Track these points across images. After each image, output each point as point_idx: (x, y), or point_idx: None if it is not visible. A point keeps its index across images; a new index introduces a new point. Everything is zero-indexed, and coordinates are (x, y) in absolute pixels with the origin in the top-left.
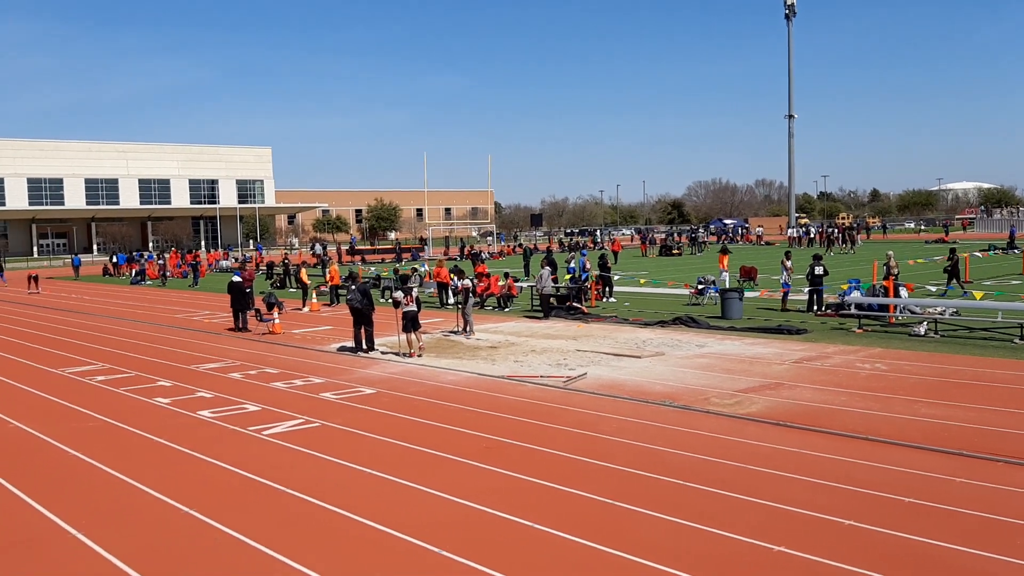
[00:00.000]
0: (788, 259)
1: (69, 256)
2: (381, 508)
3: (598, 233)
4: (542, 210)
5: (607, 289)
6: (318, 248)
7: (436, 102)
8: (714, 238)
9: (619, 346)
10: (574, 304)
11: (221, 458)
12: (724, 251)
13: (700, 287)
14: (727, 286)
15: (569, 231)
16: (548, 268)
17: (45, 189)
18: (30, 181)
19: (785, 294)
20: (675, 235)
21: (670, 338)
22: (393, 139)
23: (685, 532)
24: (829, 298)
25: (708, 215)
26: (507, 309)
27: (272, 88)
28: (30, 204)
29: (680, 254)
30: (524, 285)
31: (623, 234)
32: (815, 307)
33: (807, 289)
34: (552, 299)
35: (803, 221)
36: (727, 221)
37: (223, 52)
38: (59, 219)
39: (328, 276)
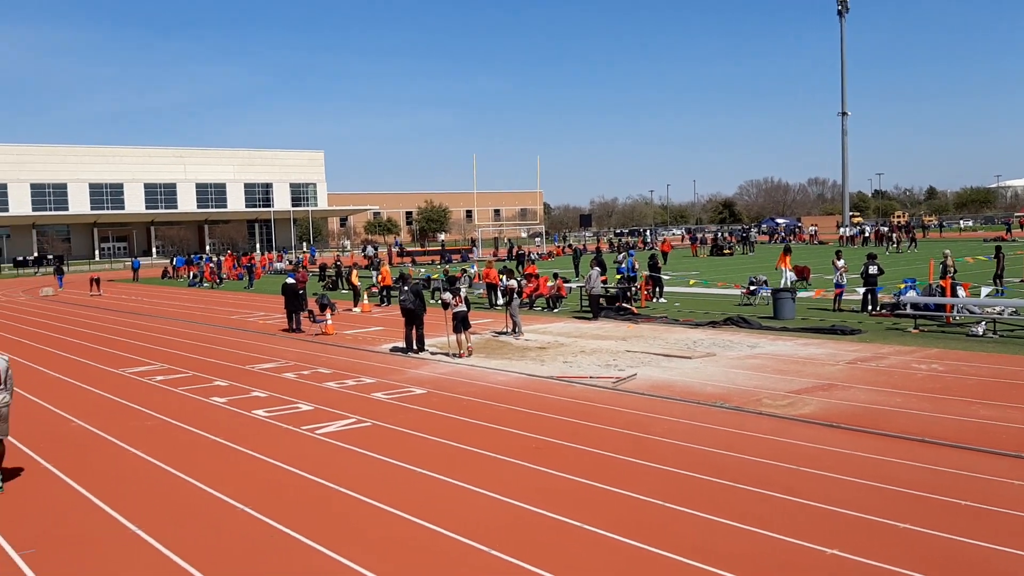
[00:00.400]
0: (839, 258)
1: (130, 259)
2: (432, 507)
3: (648, 233)
4: (591, 210)
5: (657, 289)
6: (369, 250)
7: (483, 104)
8: (765, 237)
9: (669, 347)
10: (624, 305)
11: (275, 456)
12: (786, 251)
13: (752, 287)
14: (788, 285)
15: (619, 231)
16: (597, 268)
17: (106, 194)
18: (92, 186)
19: (839, 294)
20: (725, 235)
21: (721, 339)
22: (441, 141)
23: (737, 534)
24: (884, 298)
25: (760, 214)
26: (556, 310)
27: (319, 91)
28: (92, 208)
29: (731, 254)
30: (573, 286)
31: (673, 234)
32: (869, 307)
33: (861, 289)
34: (601, 300)
35: (857, 220)
36: (779, 220)
37: (270, 56)
38: (120, 223)
39: (379, 277)
